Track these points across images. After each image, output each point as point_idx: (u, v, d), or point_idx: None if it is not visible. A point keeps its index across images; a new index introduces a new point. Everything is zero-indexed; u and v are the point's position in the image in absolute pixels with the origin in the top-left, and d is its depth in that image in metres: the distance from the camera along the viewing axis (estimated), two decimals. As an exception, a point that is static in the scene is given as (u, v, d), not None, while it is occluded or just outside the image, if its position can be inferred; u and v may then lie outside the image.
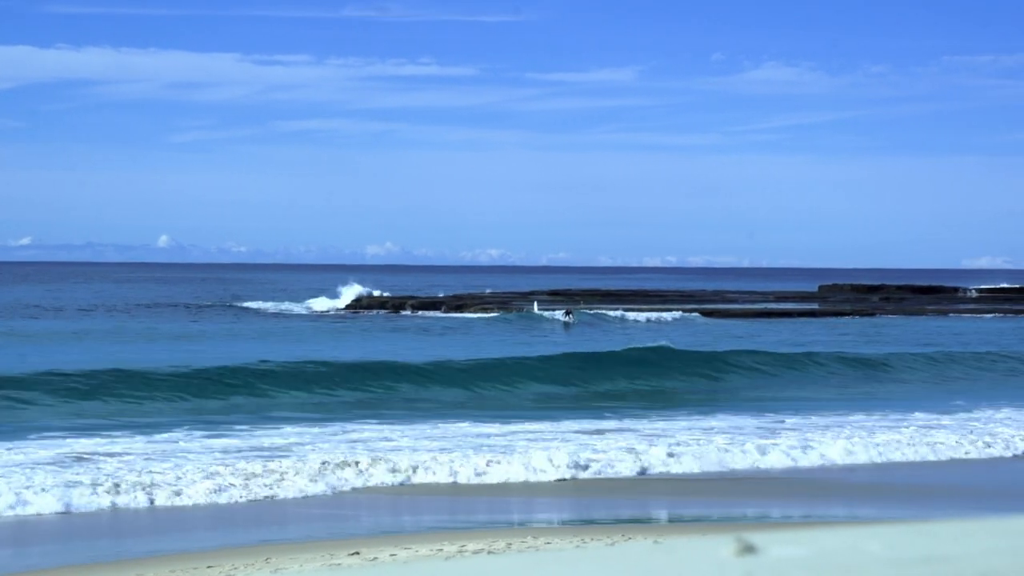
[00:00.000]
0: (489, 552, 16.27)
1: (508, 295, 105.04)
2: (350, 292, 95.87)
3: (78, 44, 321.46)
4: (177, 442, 27.25)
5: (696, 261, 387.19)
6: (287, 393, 38.60)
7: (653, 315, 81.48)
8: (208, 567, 15.91)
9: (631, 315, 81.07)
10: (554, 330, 70.98)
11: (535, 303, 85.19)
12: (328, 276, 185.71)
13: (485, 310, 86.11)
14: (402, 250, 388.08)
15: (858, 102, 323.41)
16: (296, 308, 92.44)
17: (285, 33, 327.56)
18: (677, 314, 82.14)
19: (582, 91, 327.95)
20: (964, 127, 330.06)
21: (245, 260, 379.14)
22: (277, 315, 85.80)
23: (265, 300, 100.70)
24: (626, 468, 24.56)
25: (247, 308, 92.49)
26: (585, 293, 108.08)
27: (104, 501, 20.85)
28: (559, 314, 78.55)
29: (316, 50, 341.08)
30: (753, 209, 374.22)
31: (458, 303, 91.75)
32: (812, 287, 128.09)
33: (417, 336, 65.35)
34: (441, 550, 16.69)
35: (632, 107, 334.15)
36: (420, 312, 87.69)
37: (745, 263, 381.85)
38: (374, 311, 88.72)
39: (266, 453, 25.44)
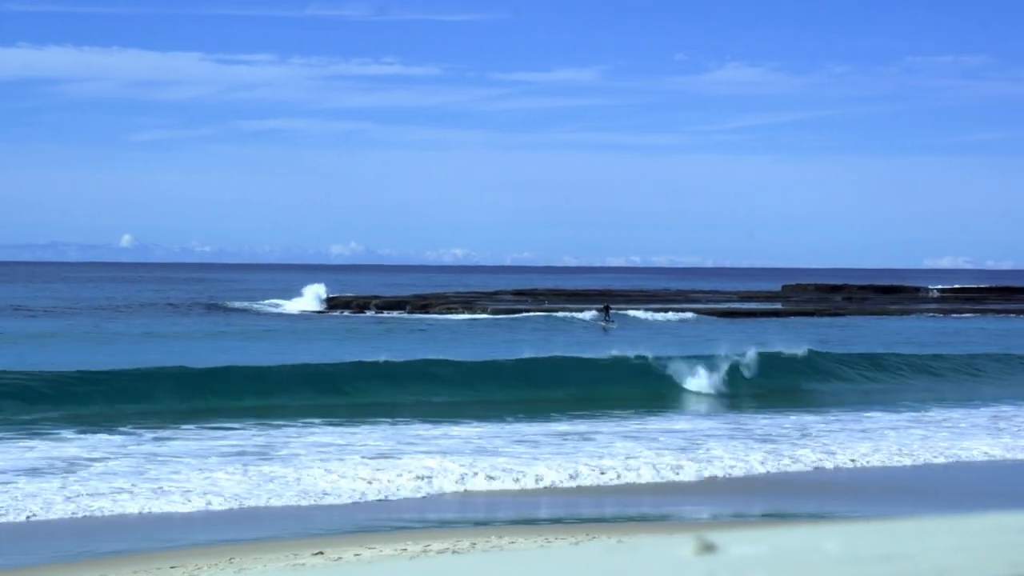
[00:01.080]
0: (454, 552, 16.28)
1: (473, 295, 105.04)
2: (312, 291, 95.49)
3: (39, 43, 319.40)
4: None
5: (660, 261, 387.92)
6: (448, 391, 39.13)
7: (674, 316, 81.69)
8: (171, 567, 15.86)
9: (657, 316, 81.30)
10: (591, 331, 67.62)
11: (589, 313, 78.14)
12: (294, 276, 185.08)
13: (450, 310, 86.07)
14: (366, 250, 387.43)
15: (821, 102, 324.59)
16: (287, 307, 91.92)
17: (248, 32, 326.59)
18: (689, 315, 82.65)
19: (546, 91, 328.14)
20: (926, 127, 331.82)
21: (209, 260, 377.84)
22: (279, 315, 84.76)
23: (250, 300, 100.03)
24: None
25: (244, 309, 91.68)
26: (550, 293, 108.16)
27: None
28: (586, 316, 75.85)
29: (279, 49, 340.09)
30: (717, 209, 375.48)
31: (423, 303, 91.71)
32: (776, 287, 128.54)
33: (469, 336, 63.72)
34: (405, 550, 16.69)
35: (595, 107, 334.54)
36: (386, 312, 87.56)
37: (709, 263, 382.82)
38: (360, 311, 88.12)
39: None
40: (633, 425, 31.88)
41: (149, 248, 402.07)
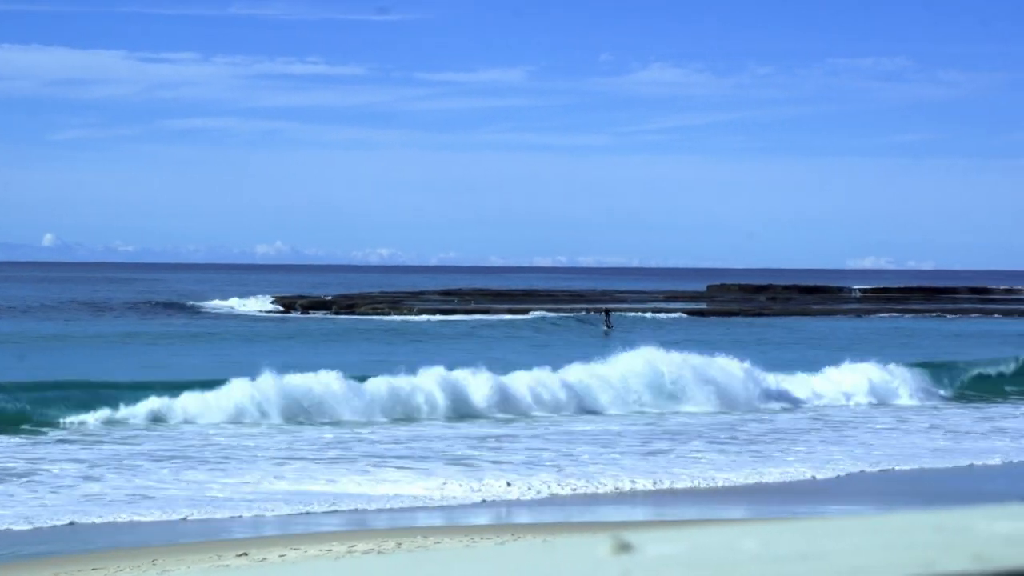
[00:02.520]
0: (378, 552, 16.25)
1: (400, 295, 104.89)
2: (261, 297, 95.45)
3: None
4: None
5: (586, 261, 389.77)
6: None
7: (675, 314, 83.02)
8: (93, 569, 15.72)
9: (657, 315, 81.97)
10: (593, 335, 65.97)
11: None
12: (220, 276, 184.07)
13: (377, 311, 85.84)
14: (292, 249, 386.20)
15: (745, 103, 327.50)
16: (243, 308, 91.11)
17: (170, 31, 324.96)
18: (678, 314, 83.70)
19: (471, 91, 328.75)
20: (848, 129, 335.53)
21: (133, 259, 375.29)
22: (238, 316, 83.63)
23: (195, 300, 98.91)
24: None
25: (200, 309, 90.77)
26: (477, 293, 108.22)
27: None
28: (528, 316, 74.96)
29: (202, 48, 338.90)
30: (642, 209, 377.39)
31: (348, 303, 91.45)
32: (701, 287, 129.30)
33: (510, 339, 62.93)
34: (331, 550, 16.65)
35: (521, 107, 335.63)
36: (310, 313, 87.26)
37: (635, 263, 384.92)
38: (318, 312, 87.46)
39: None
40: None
41: (71, 247, 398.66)
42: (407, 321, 77.48)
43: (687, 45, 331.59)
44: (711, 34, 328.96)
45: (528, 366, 36.83)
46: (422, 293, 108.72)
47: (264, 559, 16.04)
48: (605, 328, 69.04)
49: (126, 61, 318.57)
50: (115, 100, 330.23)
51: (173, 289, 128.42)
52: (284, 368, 33.85)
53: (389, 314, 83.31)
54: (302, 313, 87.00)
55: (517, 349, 55.09)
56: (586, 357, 37.92)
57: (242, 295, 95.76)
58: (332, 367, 34.71)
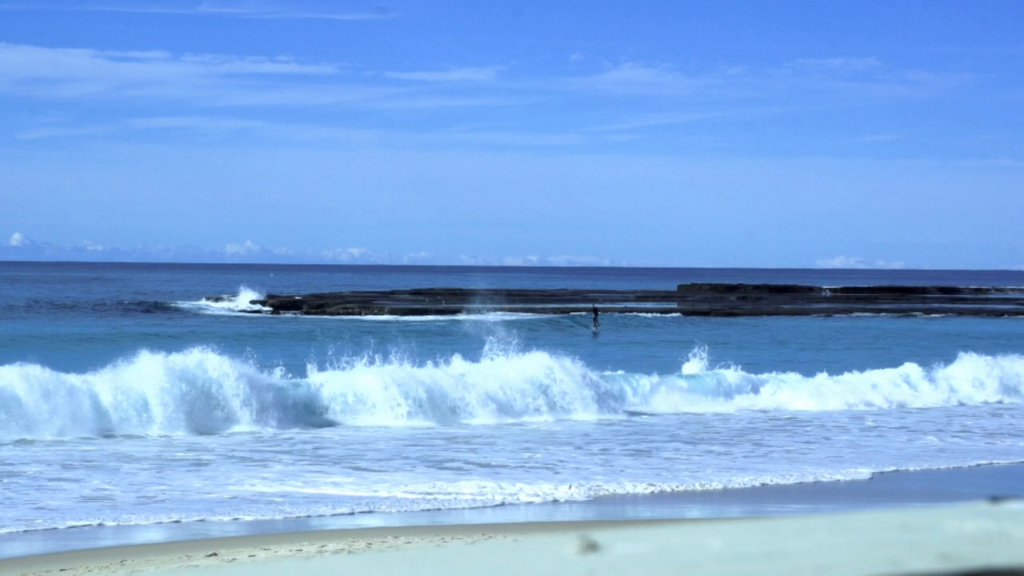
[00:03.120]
0: (349, 552, 16.23)
1: (371, 294, 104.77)
2: (247, 294, 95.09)
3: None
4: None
5: (557, 260, 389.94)
6: None
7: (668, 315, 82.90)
8: (61, 570, 15.65)
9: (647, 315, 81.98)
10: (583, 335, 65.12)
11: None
12: (191, 275, 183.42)
13: (348, 311, 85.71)
14: (262, 249, 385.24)
15: (715, 103, 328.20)
16: (225, 308, 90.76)
17: (140, 29, 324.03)
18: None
19: (442, 90, 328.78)
20: (817, 129, 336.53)
21: (102, 259, 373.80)
22: (217, 316, 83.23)
23: (182, 299, 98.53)
24: None
25: (179, 308, 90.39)
26: (448, 292, 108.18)
27: None
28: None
29: (172, 47, 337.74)
30: (613, 209, 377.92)
31: (319, 303, 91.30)
32: (672, 287, 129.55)
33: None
34: (301, 550, 16.61)
35: (492, 107, 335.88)
36: (280, 313, 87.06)
37: (606, 262, 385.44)
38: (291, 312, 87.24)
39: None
40: None
41: (40, 247, 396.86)
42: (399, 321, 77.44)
43: (658, 45, 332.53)
44: (682, 34, 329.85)
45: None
46: (393, 292, 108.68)
47: (234, 559, 16.00)
48: (594, 328, 68.50)
49: (95, 60, 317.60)
50: (84, 99, 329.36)
51: (144, 289, 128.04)
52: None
53: (360, 314, 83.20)
54: (273, 313, 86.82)
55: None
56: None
57: (226, 295, 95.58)
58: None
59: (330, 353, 35.37)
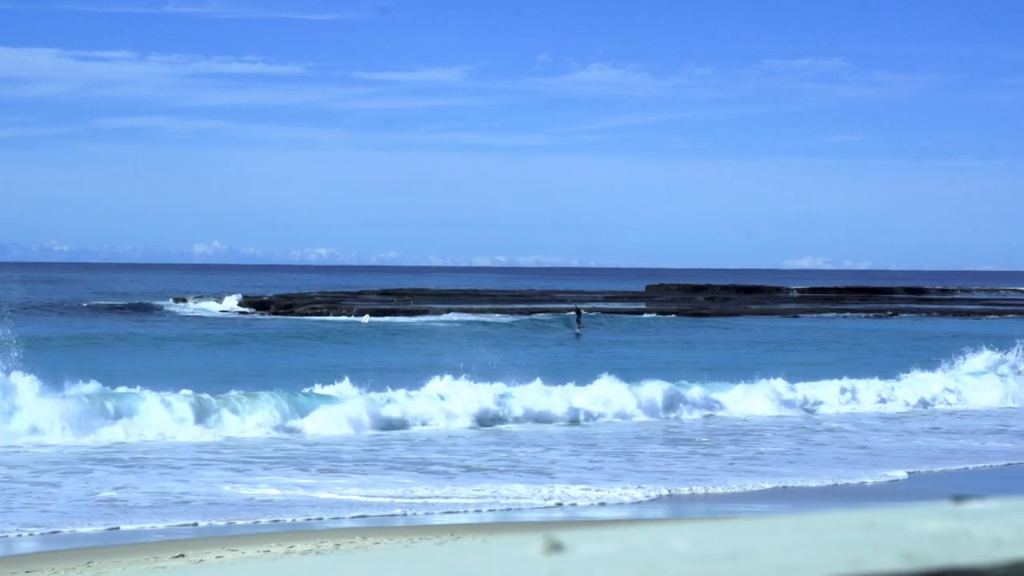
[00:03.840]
0: (317, 553, 16.20)
1: (339, 294, 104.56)
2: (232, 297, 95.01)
3: None
4: None
5: (526, 261, 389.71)
6: None
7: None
8: (27, 572, 15.58)
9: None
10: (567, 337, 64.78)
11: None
12: (160, 276, 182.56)
13: (316, 311, 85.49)
14: (230, 249, 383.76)
15: (683, 104, 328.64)
16: (219, 308, 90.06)
17: (106, 29, 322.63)
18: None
19: (409, 90, 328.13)
20: (784, 129, 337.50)
21: (68, 259, 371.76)
22: (199, 317, 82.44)
23: (163, 300, 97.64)
24: None
25: (166, 310, 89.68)
26: (416, 293, 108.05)
27: None
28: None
29: (138, 46, 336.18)
30: (582, 209, 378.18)
31: (287, 303, 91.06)
32: (640, 287, 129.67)
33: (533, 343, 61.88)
34: (269, 551, 16.58)
35: (460, 107, 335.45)
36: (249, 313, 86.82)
37: (574, 263, 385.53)
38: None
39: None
40: None
41: (5, 247, 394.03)
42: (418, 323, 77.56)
43: (625, 46, 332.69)
44: (649, 35, 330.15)
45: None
46: (361, 293, 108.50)
47: (201, 560, 15.96)
48: (577, 329, 68.14)
49: (61, 59, 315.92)
50: (50, 99, 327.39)
51: (129, 290, 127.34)
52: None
53: (328, 314, 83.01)
54: (240, 314, 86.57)
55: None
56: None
57: (206, 295, 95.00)
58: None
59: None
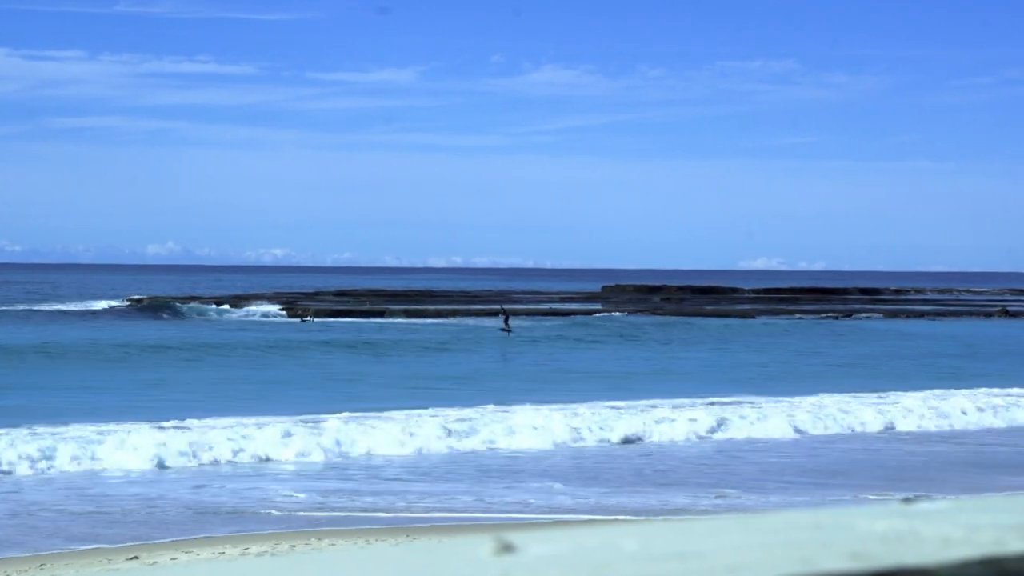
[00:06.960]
0: (272, 554, 16.17)
1: (294, 295, 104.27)
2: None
3: None
4: None
5: (481, 261, 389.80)
6: None
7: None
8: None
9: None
10: (495, 339, 63.84)
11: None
12: (114, 277, 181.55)
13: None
14: (184, 250, 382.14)
15: (636, 105, 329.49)
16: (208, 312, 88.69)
17: (55, 28, 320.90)
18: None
19: (363, 91, 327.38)
20: (737, 130, 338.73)
21: (20, 260, 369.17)
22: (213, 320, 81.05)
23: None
24: None
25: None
26: (371, 293, 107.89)
27: None
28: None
29: (88, 46, 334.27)
30: (536, 210, 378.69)
31: (240, 304, 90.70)
32: (596, 287, 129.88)
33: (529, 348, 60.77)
34: (223, 553, 16.54)
35: (413, 107, 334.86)
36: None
37: (530, 263, 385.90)
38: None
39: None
40: None
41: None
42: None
43: (578, 47, 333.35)
44: (602, 36, 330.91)
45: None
46: (317, 294, 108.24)
47: (155, 562, 15.90)
48: (504, 329, 68.15)
49: (10, 58, 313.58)
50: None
51: (67, 291, 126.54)
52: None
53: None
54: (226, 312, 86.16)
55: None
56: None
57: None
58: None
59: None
